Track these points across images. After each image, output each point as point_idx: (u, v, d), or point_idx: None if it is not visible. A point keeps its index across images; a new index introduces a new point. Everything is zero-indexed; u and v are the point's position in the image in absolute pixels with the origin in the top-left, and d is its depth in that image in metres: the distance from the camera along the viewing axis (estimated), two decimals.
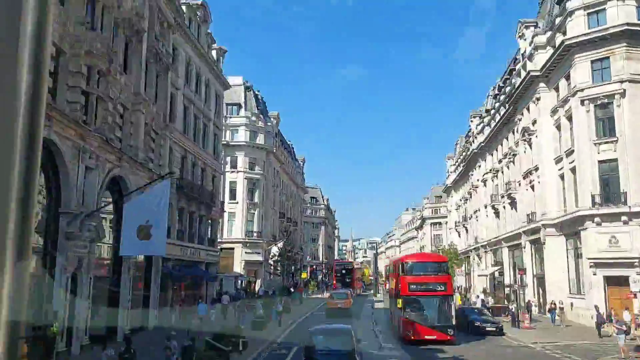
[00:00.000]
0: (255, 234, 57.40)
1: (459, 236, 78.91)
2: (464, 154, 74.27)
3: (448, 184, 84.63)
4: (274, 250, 54.19)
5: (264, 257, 56.55)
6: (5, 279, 0.80)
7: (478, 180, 61.59)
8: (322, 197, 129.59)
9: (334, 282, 61.37)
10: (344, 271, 64.76)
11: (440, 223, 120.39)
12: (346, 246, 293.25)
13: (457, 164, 79.98)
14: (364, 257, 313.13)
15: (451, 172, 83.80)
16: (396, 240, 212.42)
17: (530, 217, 40.44)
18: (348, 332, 16.54)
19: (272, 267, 55.68)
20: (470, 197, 67.50)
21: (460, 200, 76.53)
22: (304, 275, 59.84)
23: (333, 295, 40.26)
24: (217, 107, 41.46)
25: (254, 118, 59.72)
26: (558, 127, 36.74)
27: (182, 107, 33.33)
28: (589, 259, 31.13)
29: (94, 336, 19.57)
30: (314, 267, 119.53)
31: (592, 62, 32.54)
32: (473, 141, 64.00)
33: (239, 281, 51.59)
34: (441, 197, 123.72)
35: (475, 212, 64.32)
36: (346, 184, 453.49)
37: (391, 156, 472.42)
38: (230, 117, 59.14)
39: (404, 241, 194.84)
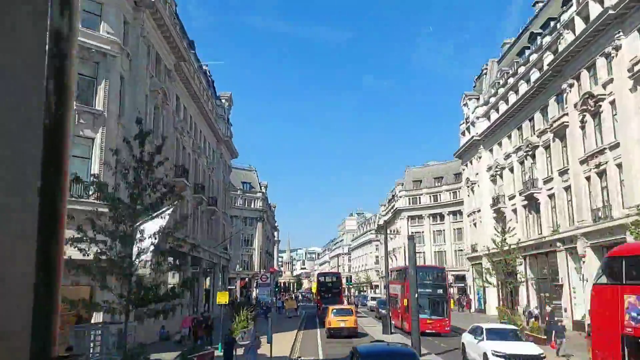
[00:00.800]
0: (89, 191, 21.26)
1: (504, 226, 45.56)
2: (520, 69, 41.54)
3: (474, 138, 51.04)
4: (150, 229, 16.87)
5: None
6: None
7: (611, 85, 28.54)
8: (259, 183, 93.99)
9: (318, 298, 51.21)
10: (329, 284, 53.53)
11: (421, 216, 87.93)
12: (283, 257, 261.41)
13: (492, 100, 47.43)
14: (302, 268, 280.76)
15: (477, 119, 50.91)
16: (345, 247, 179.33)
17: None
18: (412, 357, 12.31)
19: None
20: (556, 139, 34.61)
21: (509, 157, 43.60)
22: (221, 298, 23.39)
23: (334, 312, 32.58)
24: None
25: None
26: None
27: None
28: None
29: None
30: (246, 279, 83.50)
31: None
32: (571, 28, 31.15)
33: None
34: (420, 181, 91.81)
35: (587, 160, 31.06)
36: (281, 188, 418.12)
37: (329, 163, 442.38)
38: None
39: (355, 247, 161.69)
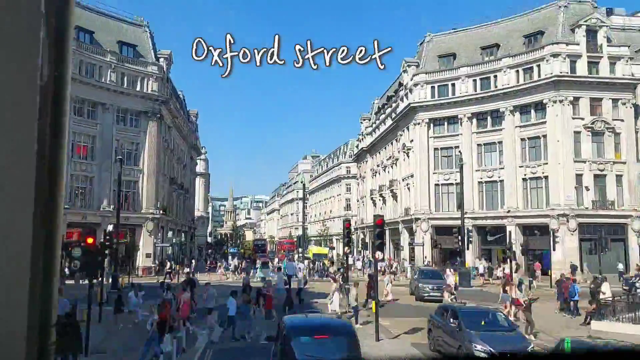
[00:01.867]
0: None
1: None
2: None
3: None
4: None
5: None
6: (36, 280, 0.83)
7: None
8: (154, 51, 50.44)
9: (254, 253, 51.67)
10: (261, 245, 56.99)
11: (456, 118, 47.79)
12: (225, 205, 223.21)
13: None
14: (247, 218, 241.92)
15: None
16: (300, 190, 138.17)
17: None
18: (349, 333, 10.02)
19: None
20: None
21: None
22: None
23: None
24: None
25: None
26: None
27: None
28: None
29: None
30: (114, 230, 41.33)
31: None
32: None
33: None
34: (454, 56, 51.08)
35: None
36: (223, 133, 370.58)
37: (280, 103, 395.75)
38: None
39: (314, 190, 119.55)
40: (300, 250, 55.51)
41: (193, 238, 68.90)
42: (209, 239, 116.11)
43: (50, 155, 0.82)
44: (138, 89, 46.49)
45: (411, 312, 21.94)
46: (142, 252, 46.47)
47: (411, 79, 50.91)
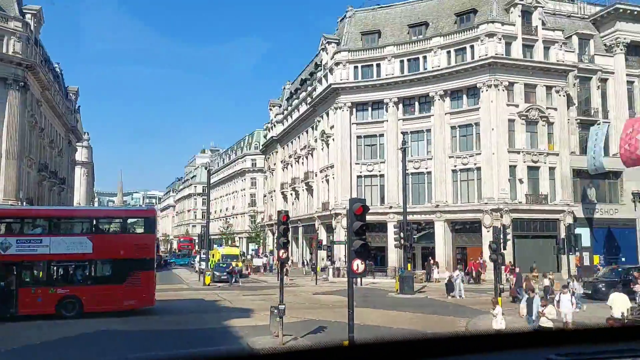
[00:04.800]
0: None
1: None
2: None
3: None
4: None
5: None
6: None
7: None
8: (17, 2, 40.32)
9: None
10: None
11: (381, 103, 42.82)
12: (113, 201, 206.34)
13: None
14: None
15: None
16: (198, 185, 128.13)
17: None
18: None
19: None
20: None
21: None
22: None
23: None
24: None
25: None
26: None
27: None
28: None
29: None
30: None
31: None
32: None
33: None
34: (378, 34, 46.07)
35: None
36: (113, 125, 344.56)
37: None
38: None
39: (214, 185, 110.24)
40: (198, 250, 48.28)
41: None
42: None
43: None
44: None
45: None
46: None
47: (331, 58, 45.37)
